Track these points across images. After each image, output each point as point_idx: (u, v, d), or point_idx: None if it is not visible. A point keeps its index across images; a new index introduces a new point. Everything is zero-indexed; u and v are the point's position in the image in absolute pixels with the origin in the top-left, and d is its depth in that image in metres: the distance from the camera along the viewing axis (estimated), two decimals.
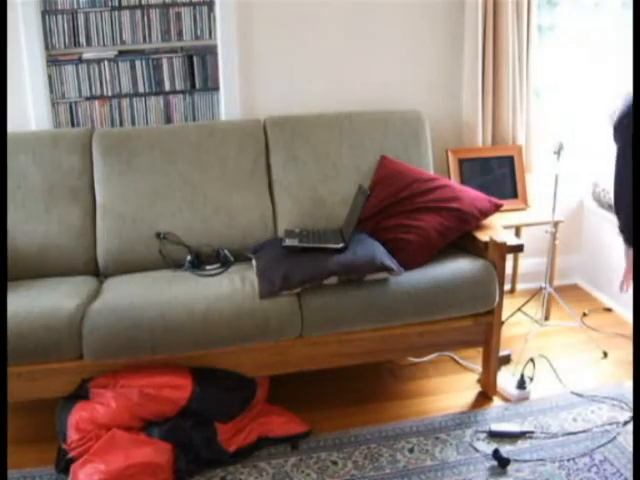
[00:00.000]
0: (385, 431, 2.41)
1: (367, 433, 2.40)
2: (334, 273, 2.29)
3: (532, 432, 2.38)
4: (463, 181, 3.13)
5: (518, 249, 2.56)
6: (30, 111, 2.86)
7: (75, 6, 2.82)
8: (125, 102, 2.97)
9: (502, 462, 2.22)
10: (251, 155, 2.81)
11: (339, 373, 2.57)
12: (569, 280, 3.59)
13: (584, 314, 3.23)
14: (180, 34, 2.94)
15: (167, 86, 3.00)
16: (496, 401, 2.59)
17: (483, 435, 2.37)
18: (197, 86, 3.02)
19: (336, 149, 2.84)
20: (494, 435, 2.36)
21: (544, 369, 2.75)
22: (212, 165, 2.76)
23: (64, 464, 2.17)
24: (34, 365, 2.22)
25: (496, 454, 2.24)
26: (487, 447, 2.32)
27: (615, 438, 2.34)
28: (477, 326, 2.52)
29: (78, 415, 2.18)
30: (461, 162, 3.16)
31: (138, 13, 2.88)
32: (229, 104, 3.01)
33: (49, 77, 2.87)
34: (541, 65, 3.30)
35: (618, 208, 2.02)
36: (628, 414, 2.47)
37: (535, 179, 3.32)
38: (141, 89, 2.98)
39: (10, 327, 2.16)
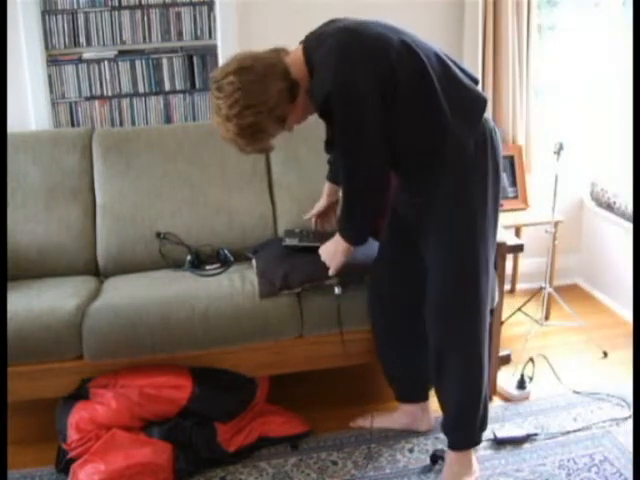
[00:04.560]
0: (385, 431, 2.41)
1: (367, 433, 2.40)
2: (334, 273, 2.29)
3: (536, 434, 2.37)
4: None
5: (518, 249, 2.56)
6: (30, 111, 2.86)
7: (75, 6, 2.82)
8: (125, 102, 2.97)
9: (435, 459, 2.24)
10: (251, 155, 2.79)
11: (339, 373, 2.57)
12: (569, 280, 3.59)
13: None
14: (180, 34, 2.94)
15: (167, 86, 3.00)
16: (496, 401, 2.58)
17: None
18: (197, 86, 3.02)
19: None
20: (500, 442, 2.33)
21: (544, 369, 2.75)
22: (212, 165, 2.76)
23: (64, 464, 2.17)
24: (34, 365, 2.22)
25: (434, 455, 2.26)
26: (487, 447, 2.32)
27: (615, 438, 2.34)
28: None
29: (78, 415, 2.18)
30: None
31: (138, 13, 2.88)
32: None
33: (49, 77, 2.87)
34: (541, 65, 3.30)
35: None
36: (628, 414, 2.47)
37: (535, 179, 3.33)
38: (141, 89, 2.98)
39: (10, 327, 2.15)
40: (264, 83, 1.82)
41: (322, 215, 2.45)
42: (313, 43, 1.93)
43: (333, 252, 2.16)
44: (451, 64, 1.93)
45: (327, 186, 2.40)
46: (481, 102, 1.95)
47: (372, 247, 2.39)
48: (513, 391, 2.59)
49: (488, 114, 2.03)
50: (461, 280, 2.00)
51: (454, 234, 1.98)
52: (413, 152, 1.94)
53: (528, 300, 3.15)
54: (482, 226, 1.97)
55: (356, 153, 1.91)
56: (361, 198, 1.98)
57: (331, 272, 2.19)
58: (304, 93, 1.92)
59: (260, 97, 1.81)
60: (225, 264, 2.57)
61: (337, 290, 2.29)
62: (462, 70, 1.96)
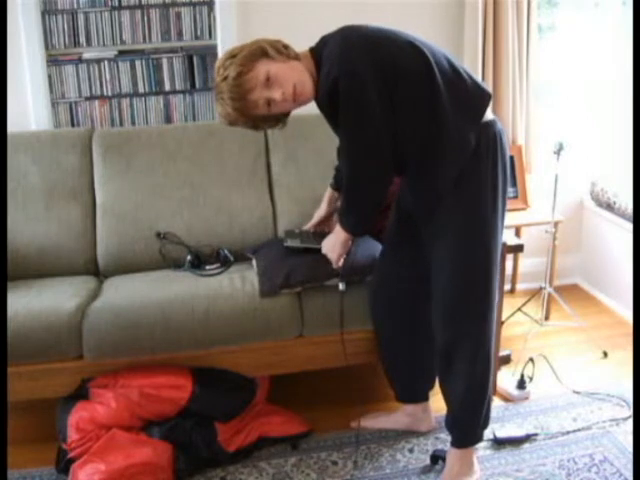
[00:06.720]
0: (385, 431, 2.41)
1: (367, 433, 2.40)
2: (336, 274, 2.28)
3: (536, 434, 2.37)
4: None
5: (518, 249, 2.56)
6: (30, 111, 2.86)
7: (75, 6, 2.82)
8: (125, 102, 2.97)
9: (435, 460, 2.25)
10: (251, 155, 2.81)
11: (339, 373, 2.57)
12: (569, 280, 3.59)
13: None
14: (180, 34, 2.94)
15: (167, 86, 3.00)
16: (496, 401, 2.58)
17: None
18: (197, 86, 3.02)
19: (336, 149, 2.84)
20: (500, 442, 2.33)
21: (544, 369, 2.75)
22: (212, 165, 2.76)
23: (64, 464, 2.17)
24: (34, 365, 2.22)
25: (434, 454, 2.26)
26: (487, 447, 2.31)
27: (615, 438, 2.34)
28: None
29: (78, 415, 2.18)
30: None
31: (138, 13, 2.88)
32: None
33: (49, 77, 2.87)
34: (541, 65, 3.30)
35: None
36: (628, 414, 2.47)
37: (535, 179, 3.33)
38: (141, 89, 2.98)
39: (10, 327, 2.16)
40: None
41: (321, 224, 2.42)
42: (320, 44, 1.98)
43: (333, 244, 2.17)
44: (457, 65, 1.93)
45: (329, 193, 2.37)
46: (484, 96, 1.94)
47: (374, 247, 2.39)
48: (513, 391, 2.59)
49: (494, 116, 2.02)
50: (471, 279, 1.99)
51: (464, 234, 1.97)
52: (413, 146, 1.93)
53: (528, 300, 3.15)
54: (491, 226, 1.97)
55: (359, 140, 1.89)
56: (363, 186, 1.96)
57: (333, 265, 2.20)
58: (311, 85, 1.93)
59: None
60: (225, 264, 2.57)
61: (341, 286, 2.26)
62: (466, 71, 1.96)
